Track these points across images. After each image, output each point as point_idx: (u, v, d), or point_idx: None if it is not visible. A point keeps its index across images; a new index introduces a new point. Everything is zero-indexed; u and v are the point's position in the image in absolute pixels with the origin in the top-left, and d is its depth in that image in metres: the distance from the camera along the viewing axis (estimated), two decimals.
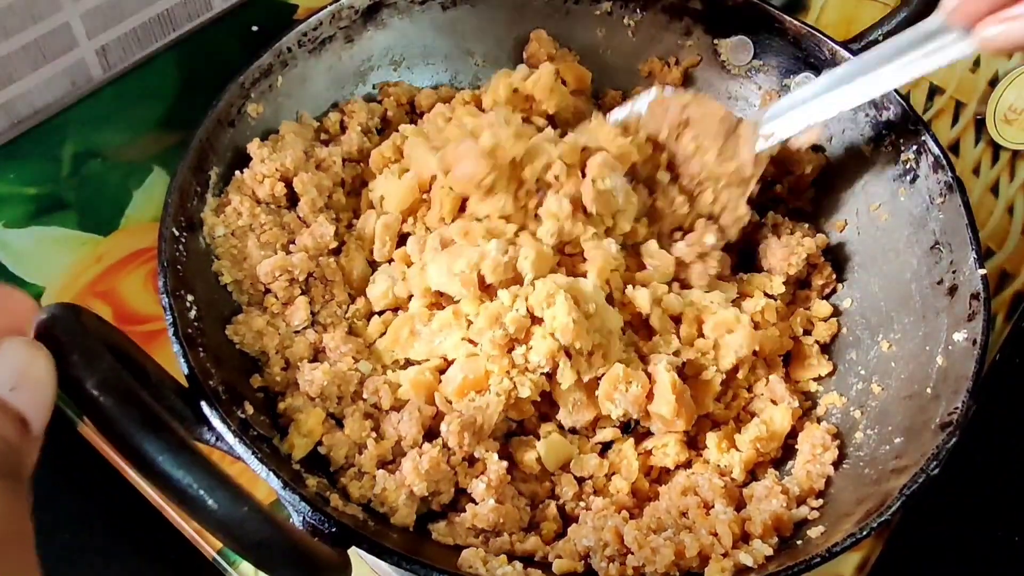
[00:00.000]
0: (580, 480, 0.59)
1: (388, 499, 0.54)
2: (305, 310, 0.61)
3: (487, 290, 0.59)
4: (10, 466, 0.31)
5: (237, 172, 0.64)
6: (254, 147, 0.64)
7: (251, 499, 0.34)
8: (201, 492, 0.33)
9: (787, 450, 0.63)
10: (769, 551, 0.53)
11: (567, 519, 0.58)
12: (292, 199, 0.65)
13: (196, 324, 0.55)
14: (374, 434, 0.56)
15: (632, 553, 0.53)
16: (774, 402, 0.64)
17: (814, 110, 0.65)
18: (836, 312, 0.69)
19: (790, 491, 0.58)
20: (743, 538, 0.55)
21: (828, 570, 0.52)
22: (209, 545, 0.66)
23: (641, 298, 0.62)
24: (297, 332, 0.61)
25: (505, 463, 0.56)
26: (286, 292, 0.61)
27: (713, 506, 0.57)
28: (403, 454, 0.56)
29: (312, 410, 0.56)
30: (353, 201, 0.69)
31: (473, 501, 0.56)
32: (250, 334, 0.59)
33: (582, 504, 0.58)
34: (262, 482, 0.49)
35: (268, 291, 0.62)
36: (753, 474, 0.61)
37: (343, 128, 0.71)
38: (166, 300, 0.54)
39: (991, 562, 0.74)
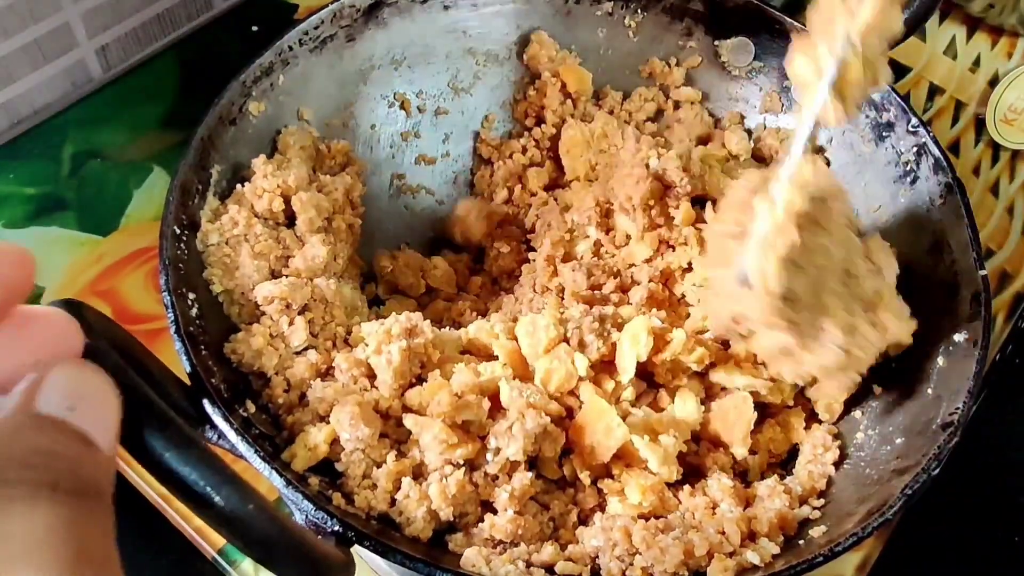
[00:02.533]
0: (596, 481, 0.58)
1: (408, 509, 0.52)
2: (304, 330, 0.59)
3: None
4: (80, 482, 0.30)
5: (238, 186, 0.63)
6: (259, 162, 0.64)
7: (258, 497, 0.34)
8: (208, 489, 0.33)
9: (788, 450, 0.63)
10: (776, 549, 0.53)
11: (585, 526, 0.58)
12: (291, 218, 0.64)
13: (198, 322, 0.55)
14: (394, 452, 0.55)
15: (640, 553, 0.52)
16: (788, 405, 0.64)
17: None
18: None
19: (793, 491, 0.58)
20: (749, 536, 0.55)
21: (829, 570, 0.52)
22: (209, 544, 0.66)
23: None
24: (298, 353, 0.59)
25: (531, 474, 0.55)
26: (282, 315, 0.60)
27: (719, 505, 0.57)
28: (423, 475, 0.54)
29: (325, 426, 0.54)
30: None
31: (493, 511, 0.55)
32: (249, 352, 0.57)
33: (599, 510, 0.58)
34: (261, 480, 0.49)
35: (264, 313, 0.60)
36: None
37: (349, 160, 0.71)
38: (168, 298, 0.54)
39: (991, 563, 0.74)
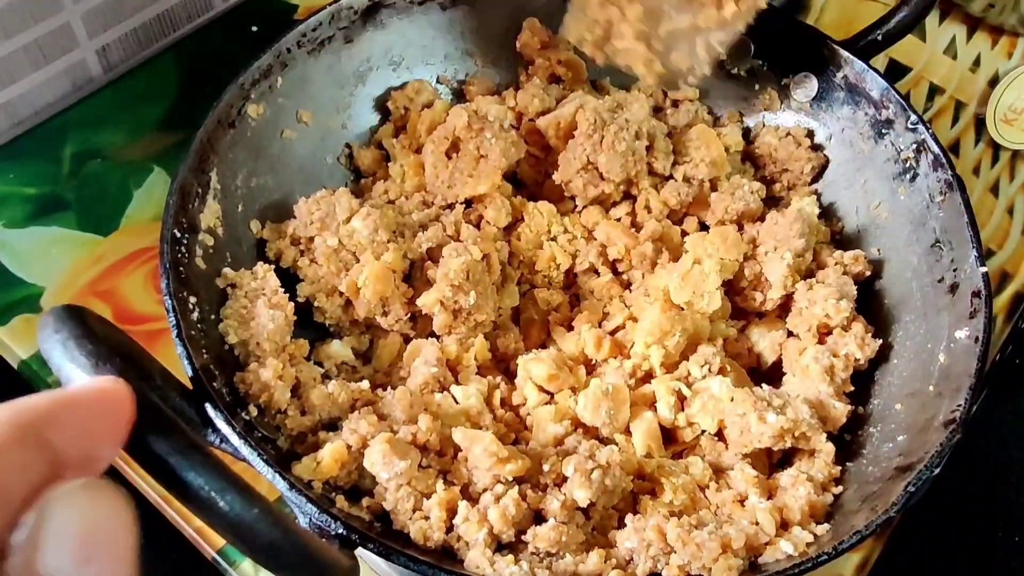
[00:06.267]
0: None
1: (468, 533, 0.52)
2: None
3: None
4: None
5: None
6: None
7: (262, 501, 0.34)
8: (213, 494, 0.33)
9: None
10: (810, 538, 0.53)
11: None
12: None
13: (199, 326, 0.55)
14: (441, 481, 0.54)
15: (676, 552, 0.52)
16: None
17: None
18: None
19: (815, 478, 0.57)
20: (782, 526, 0.55)
21: (829, 569, 0.52)
22: (209, 545, 0.66)
23: None
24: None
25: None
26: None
27: (747, 498, 0.57)
28: (474, 498, 0.54)
29: (333, 445, 0.53)
30: None
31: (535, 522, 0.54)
32: (258, 384, 0.56)
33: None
34: (260, 480, 0.49)
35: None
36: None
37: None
38: (169, 302, 0.53)
39: (991, 563, 0.74)
